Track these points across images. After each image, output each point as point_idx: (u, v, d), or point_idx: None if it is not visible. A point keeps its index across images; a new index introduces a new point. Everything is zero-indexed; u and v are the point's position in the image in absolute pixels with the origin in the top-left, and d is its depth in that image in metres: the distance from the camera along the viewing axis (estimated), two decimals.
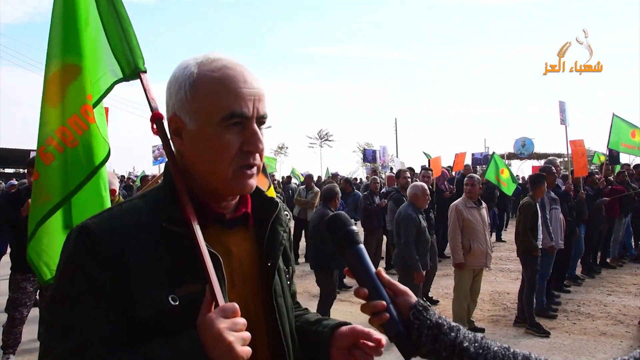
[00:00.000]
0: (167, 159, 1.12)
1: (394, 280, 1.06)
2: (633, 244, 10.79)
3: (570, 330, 6.04)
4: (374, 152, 13.95)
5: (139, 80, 1.64)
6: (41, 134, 1.82)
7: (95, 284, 0.95)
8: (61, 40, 1.81)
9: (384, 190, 10.06)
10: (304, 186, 11.31)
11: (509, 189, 10.33)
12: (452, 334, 0.97)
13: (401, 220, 5.74)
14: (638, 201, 10.03)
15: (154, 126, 1.19)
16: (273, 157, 10.83)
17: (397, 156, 22.28)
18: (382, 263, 9.87)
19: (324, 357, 1.19)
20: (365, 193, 9.62)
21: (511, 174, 10.20)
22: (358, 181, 16.32)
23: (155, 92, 1.73)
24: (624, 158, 13.09)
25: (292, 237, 1.37)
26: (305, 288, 8.22)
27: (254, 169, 1.07)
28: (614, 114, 9.38)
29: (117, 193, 3.89)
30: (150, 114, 1.25)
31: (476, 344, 0.96)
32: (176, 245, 1.00)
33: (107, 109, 1.84)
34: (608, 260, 9.87)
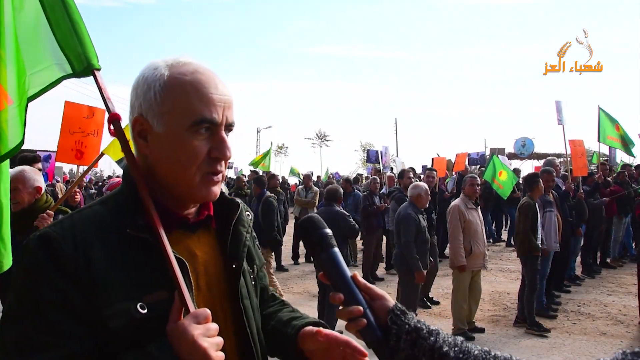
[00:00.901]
0: (127, 163, 1.10)
1: (370, 284, 1.05)
2: (633, 244, 10.79)
3: (570, 330, 6.05)
4: (377, 152, 13.94)
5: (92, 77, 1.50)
6: None
7: (60, 298, 0.90)
8: None
9: (383, 190, 10.07)
10: (302, 186, 11.35)
11: (504, 191, 10.32)
12: (432, 338, 0.95)
13: (401, 220, 5.74)
14: (638, 201, 10.03)
15: (111, 127, 1.15)
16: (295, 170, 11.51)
17: (397, 156, 22.27)
18: (383, 264, 9.88)
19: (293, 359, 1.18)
20: (365, 193, 9.63)
21: (511, 174, 10.16)
22: (358, 182, 16.38)
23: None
24: (625, 158, 13.09)
25: (293, 237, 1.36)
26: (306, 288, 8.22)
27: (220, 176, 1.05)
28: (599, 108, 9.42)
29: (43, 191, 3.77)
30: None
31: (456, 348, 0.94)
32: (142, 252, 0.98)
33: (118, 115, 1.59)
34: (608, 260, 9.87)
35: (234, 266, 1.12)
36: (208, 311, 0.93)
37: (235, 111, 1.07)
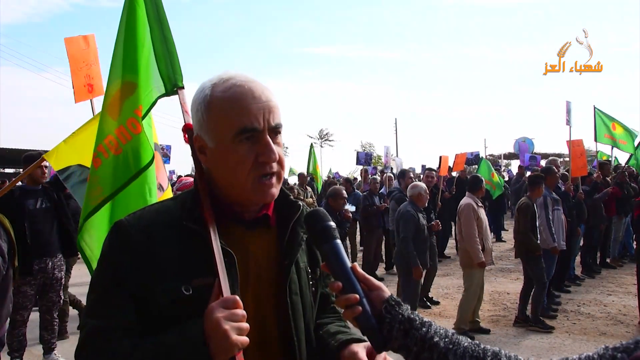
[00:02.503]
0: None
1: (369, 276, 1.09)
2: (634, 244, 10.78)
3: (570, 330, 6.05)
4: (366, 154, 14.28)
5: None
6: (97, 141, 2.09)
7: (122, 278, 1.07)
8: (122, 61, 2.03)
9: (382, 190, 10.06)
10: (298, 184, 11.41)
11: (496, 192, 10.64)
12: (424, 329, 0.98)
13: (400, 217, 5.78)
14: (637, 202, 10.02)
15: (186, 135, 1.29)
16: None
17: (397, 156, 22.31)
18: (383, 264, 9.87)
19: None
20: (365, 193, 9.64)
21: (500, 178, 10.54)
22: (358, 181, 16.46)
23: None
24: (622, 159, 13.07)
25: None
26: None
27: (274, 178, 1.13)
28: (594, 107, 9.39)
29: None
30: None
31: (446, 339, 0.97)
32: (195, 242, 1.09)
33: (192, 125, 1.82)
34: (608, 260, 9.86)
35: (286, 262, 1.18)
36: (237, 297, 1.01)
37: (280, 112, 1.15)
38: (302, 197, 10.60)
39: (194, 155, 1.22)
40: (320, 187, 10.92)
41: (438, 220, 6.98)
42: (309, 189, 11.32)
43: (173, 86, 1.87)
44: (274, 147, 1.10)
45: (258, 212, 1.20)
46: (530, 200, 6.12)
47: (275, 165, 1.12)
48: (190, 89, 1.49)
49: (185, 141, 1.29)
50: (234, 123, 1.08)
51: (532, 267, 6.07)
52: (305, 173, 12.61)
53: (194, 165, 1.25)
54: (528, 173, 12.63)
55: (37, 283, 4.77)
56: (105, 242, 1.14)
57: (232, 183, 1.12)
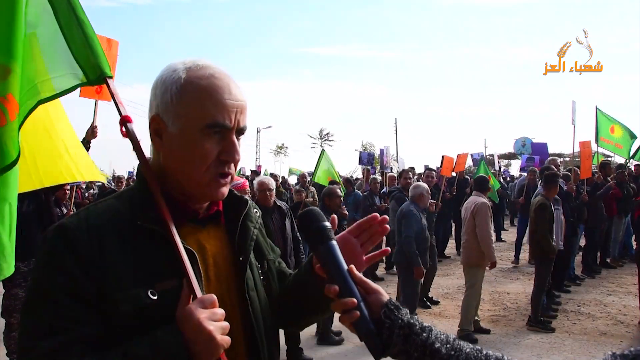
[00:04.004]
0: (139, 161, 1.15)
1: (366, 279, 1.05)
2: (634, 244, 10.77)
3: (570, 330, 6.04)
4: (369, 154, 14.31)
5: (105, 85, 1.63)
6: None
7: (74, 283, 0.95)
8: None
9: (384, 190, 10.06)
10: (299, 185, 11.41)
11: (493, 195, 10.75)
12: (424, 334, 0.96)
13: (403, 216, 5.74)
14: (637, 202, 10.01)
15: (123, 129, 1.20)
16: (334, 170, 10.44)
17: (397, 156, 22.30)
18: (383, 264, 9.87)
19: (312, 287, 1.17)
20: (366, 193, 9.63)
21: (494, 179, 10.66)
22: (359, 182, 16.47)
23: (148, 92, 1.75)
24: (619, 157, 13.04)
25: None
26: None
27: (228, 178, 1.10)
28: (597, 108, 9.37)
29: None
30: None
31: (448, 345, 0.95)
32: (152, 242, 1.03)
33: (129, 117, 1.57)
34: (608, 260, 9.86)
35: (240, 259, 1.16)
36: (214, 297, 0.97)
37: (248, 115, 1.11)
38: (309, 199, 10.60)
39: (137, 149, 1.15)
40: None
41: (434, 201, 6.88)
42: (313, 189, 11.31)
43: (99, 75, 1.67)
44: (238, 147, 1.08)
45: (209, 209, 1.16)
46: (547, 200, 5.99)
47: (232, 166, 1.09)
48: None
49: (123, 135, 1.20)
50: (206, 114, 1.03)
51: (541, 269, 6.02)
52: (308, 175, 12.58)
53: (136, 165, 1.15)
54: (524, 174, 12.65)
55: (27, 285, 4.72)
56: (44, 247, 1.00)
57: (185, 172, 1.07)
